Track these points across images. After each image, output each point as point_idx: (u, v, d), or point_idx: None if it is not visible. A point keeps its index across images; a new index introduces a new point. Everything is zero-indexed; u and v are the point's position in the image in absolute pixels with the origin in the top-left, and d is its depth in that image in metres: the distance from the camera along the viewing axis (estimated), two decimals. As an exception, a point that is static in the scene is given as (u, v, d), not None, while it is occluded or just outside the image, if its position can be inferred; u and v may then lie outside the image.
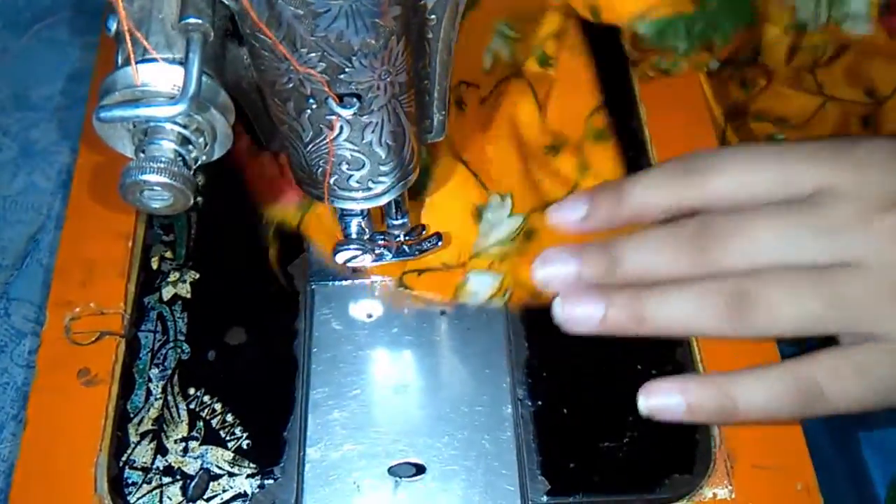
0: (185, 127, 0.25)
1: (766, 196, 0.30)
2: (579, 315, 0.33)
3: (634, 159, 0.45)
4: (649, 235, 0.32)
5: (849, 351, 0.30)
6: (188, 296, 0.41)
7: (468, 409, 0.38)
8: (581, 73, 0.46)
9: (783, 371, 0.30)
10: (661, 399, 0.31)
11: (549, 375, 0.39)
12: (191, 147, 0.26)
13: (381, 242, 0.39)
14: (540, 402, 0.38)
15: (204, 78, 0.25)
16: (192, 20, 0.24)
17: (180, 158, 0.25)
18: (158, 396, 0.38)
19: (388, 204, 0.37)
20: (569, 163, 0.43)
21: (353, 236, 0.38)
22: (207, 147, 0.27)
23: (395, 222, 0.38)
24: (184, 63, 0.24)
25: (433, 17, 0.27)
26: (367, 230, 0.38)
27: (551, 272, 0.34)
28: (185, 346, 0.40)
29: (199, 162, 0.27)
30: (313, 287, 0.41)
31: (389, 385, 0.39)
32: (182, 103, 0.24)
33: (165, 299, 0.41)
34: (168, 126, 0.25)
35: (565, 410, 0.38)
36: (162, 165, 0.25)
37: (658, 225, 0.33)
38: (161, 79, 0.25)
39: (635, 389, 0.40)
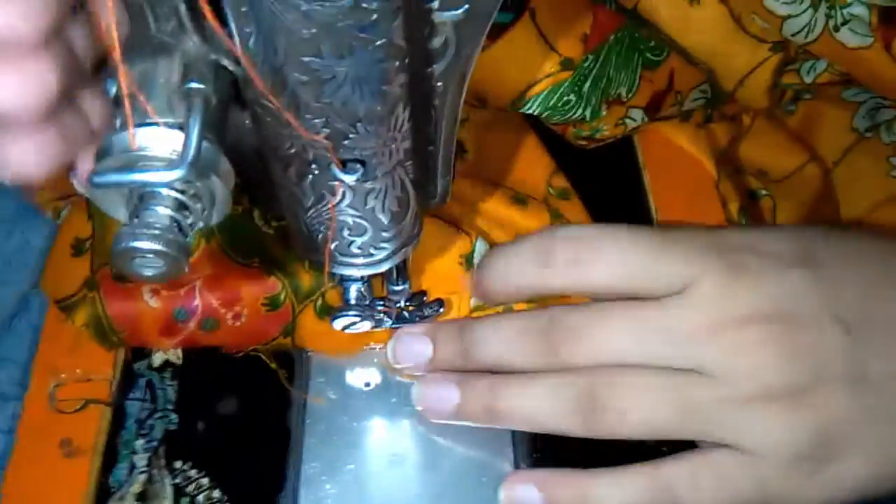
0: (182, 192, 0.25)
1: (631, 291, 0.31)
2: (433, 401, 0.34)
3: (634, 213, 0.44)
4: (502, 324, 0.33)
5: (708, 458, 0.30)
6: (179, 362, 0.39)
7: (470, 485, 0.36)
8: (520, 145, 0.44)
9: (640, 476, 0.30)
10: (519, 493, 0.32)
11: (554, 453, 0.37)
12: (187, 213, 0.25)
13: (380, 308, 0.38)
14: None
15: (204, 143, 0.24)
16: (194, 85, 0.24)
17: (175, 225, 0.24)
18: (143, 470, 0.36)
19: (389, 270, 0.36)
20: (539, 212, 0.42)
21: (353, 302, 0.37)
22: (205, 213, 0.26)
23: (396, 288, 0.37)
24: (184, 128, 0.23)
25: (440, 84, 0.27)
26: (366, 296, 0.37)
27: (403, 353, 0.35)
28: (174, 416, 0.38)
29: (196, 228, 0.26)
30: (309, 354, 0.40)
31: (387, 458, 0.37)
32: (180, 169, 0.23)
33: (155, 366, 0.39)
34: (164, 191, 0.24)
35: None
36: (156, 232, 0.24)
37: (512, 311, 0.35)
38: (160, 143, 0.24)
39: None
